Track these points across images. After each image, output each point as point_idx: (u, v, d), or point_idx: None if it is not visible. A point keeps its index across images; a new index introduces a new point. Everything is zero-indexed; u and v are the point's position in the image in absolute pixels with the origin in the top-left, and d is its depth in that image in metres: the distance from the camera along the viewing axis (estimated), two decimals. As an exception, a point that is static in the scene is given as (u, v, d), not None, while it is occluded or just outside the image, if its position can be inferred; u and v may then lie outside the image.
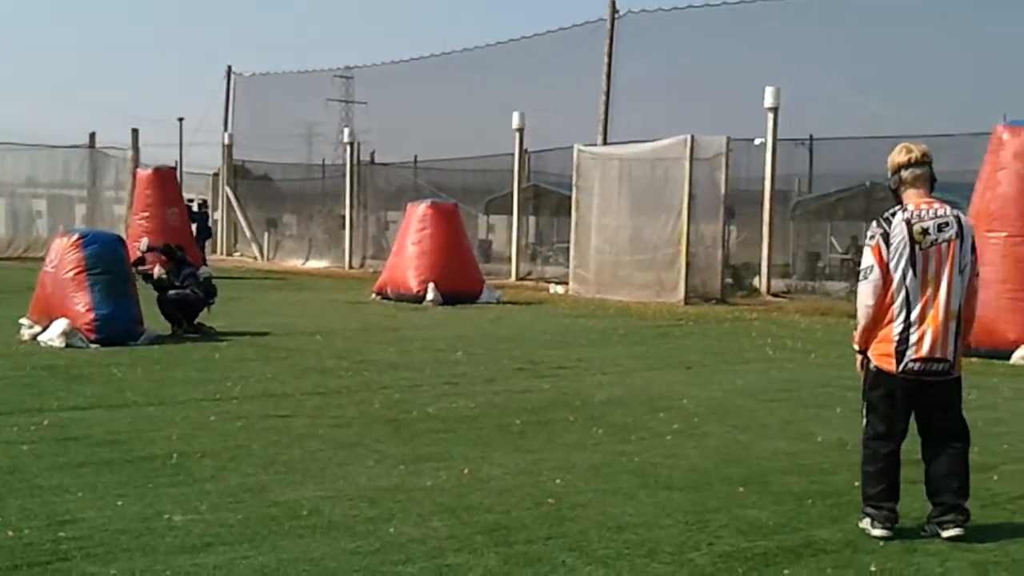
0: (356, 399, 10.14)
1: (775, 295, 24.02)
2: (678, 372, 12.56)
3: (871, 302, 5.80)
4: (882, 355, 5.82)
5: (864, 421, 5.99)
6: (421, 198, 25.89)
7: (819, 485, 6.99)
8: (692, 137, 22.83)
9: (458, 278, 22.24)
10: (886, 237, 5.77)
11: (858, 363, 6.05)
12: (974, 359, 13.27)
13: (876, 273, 5.77)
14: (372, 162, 37.30)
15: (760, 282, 24.51)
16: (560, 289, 25.59)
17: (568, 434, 8.62)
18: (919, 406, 5.88)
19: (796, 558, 5.48)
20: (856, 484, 6.80)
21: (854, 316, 6.10)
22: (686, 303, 22.32)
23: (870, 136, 25.30)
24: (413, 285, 22.09)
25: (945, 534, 5.73)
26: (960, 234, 5.78)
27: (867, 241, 5.90)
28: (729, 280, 24.48)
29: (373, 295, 23.08)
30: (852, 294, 23.13)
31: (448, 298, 21.59)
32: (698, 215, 23.21)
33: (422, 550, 5.51)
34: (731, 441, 8.47)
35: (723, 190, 23.15)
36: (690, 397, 10.50)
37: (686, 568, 5.30)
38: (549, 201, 32.26)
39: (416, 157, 37.02)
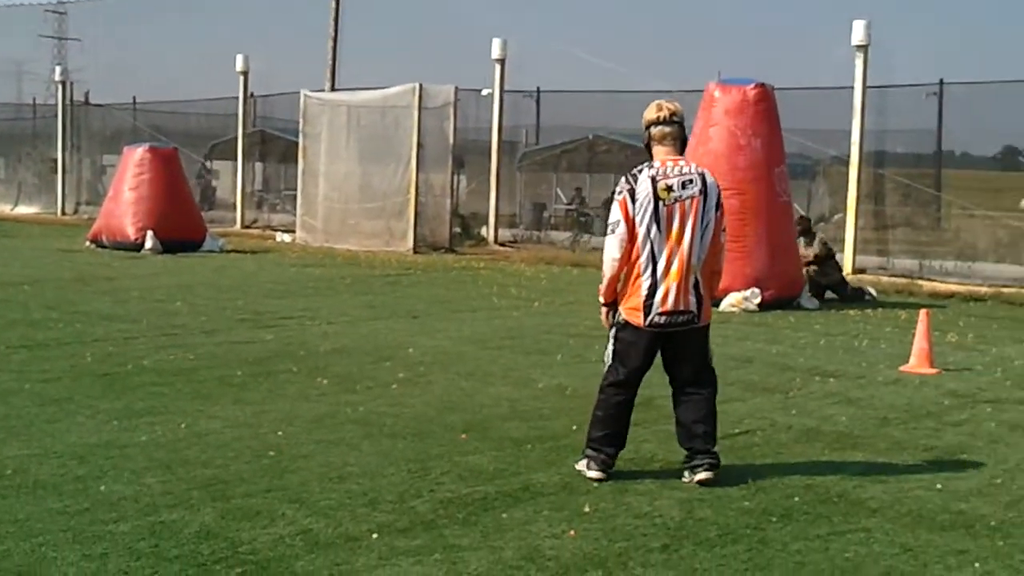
0: (67, 352, 9.66)
1: (502, 244, 24.43)
2: (405, 321, 12.59)
3: (617, 255, 5.91)
4: (631, 309, 5.95)
5: (606, 368, 6.12)
6: (140, 141, 24.81)
7: (538, 430, 7.16)
8: (420, 85, 22.82)
9: (179, 226, 21.53)
10: (632, 193, 5.88)
11: (603, 315, 6.15)
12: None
13: (622, 228, 5.88)
14: (87, 103, 35.48)
15: (488, 232, 24.87)
16: (287, 237, 25.19)
17: (291, 385, 8.49)
18: (667, 356, 6.08)
19: (514, 502, 5.59)
20: (574, 428, 7.03)
21: (598, 268, 6.23)
22: (415, 252, 22.42)
23: (594, 90, 26.05)
24: (130, 232, 21.25)
25: (697, 478, 5.93)
26: (704, 191, 5.94)
27: (615, 196, 5.99)
28: (458, 229, 24.72)
29: (87, 243, 22.07)
30: (576, 243, 23.88)
31: (168, 246, 20.90)
32: (427, 164, 23.29)
33: (135, 508, 5.31)
34: (455, 389, 8.56)
35: (452, 140, 23.30)
36: (416, 346, 10.54)
37: (407, 516, 5.32)
38: (276, 147, 31.57)
39: (135, 98, 35.48)
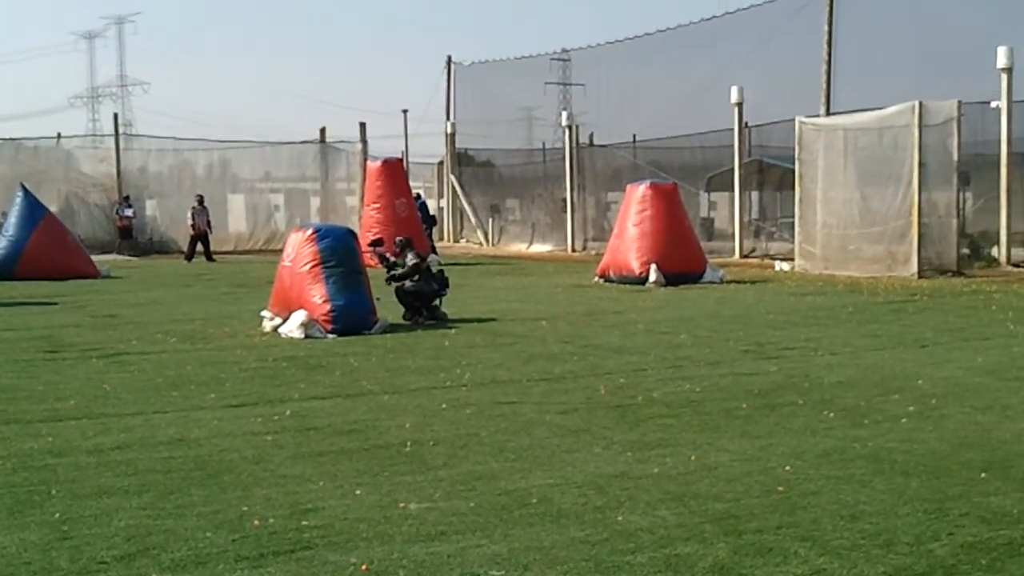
0: (582, 384, 10.20)
1: (1016, 265, 22.88)
2: (913, 351, 12.12)
3: None
4: None
5: None
6: (640, 179, 25.75)
7: (1069, 470, 6.64)
8: (920, 103, 21.96)
9: (680, 258, 22.06)
10: None
11: None
12: None
13: None
14: (591, 144, 37.42)
15: (999, 252, 23.39)
16: (786, 266, 25.10)
17: (797, 418, 8.45)
18: None
19: (1044, 549, 5.22)
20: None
21: None
22: (920, 277, 21.55)
23: None
24: (635, 267, 22.04)
25: None
26: None
27: None
28: (966, 251, 23.50)
29: (596, 278, 23.15)
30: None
31: (671, 279, 21.45)
32: (930, 183, 22.37)
33: (650, 539, 5.51)
34: (971, 423, 8.13)
35: (956, 156, 22.20)
36: (926, 377, 10.13)
37: (925, 559, 5.12)
38: (772, 176, 31.65)
39: (635, 137, 36.92)
